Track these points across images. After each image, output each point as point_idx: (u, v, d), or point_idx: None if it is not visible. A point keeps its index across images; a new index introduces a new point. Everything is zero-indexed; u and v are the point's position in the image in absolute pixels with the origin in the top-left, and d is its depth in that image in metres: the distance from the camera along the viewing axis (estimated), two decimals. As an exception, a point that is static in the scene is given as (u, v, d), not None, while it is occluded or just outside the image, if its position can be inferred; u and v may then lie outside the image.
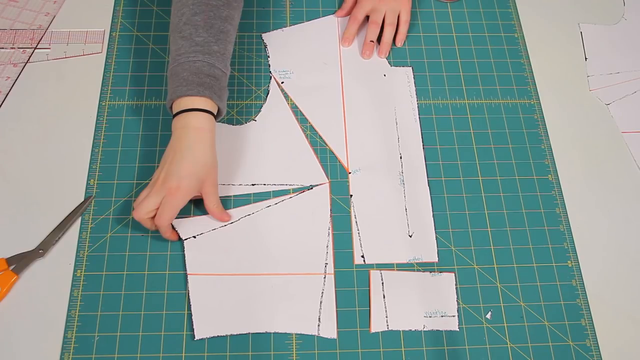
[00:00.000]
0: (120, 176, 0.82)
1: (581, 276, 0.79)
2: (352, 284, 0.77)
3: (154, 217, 0.75)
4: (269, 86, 0.91)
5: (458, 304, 0.77)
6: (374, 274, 0.78)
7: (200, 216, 0.80)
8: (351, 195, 0.83)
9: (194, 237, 0.79)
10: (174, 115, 0.77)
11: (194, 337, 0.73)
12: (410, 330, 0.75)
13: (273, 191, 0.83)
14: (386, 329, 0.75)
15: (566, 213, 0.84)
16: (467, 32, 0.99)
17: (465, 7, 1.01)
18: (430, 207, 0.83)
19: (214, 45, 0.77)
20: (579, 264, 0.80)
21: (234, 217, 0.80)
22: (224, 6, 0.79)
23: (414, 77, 0.94)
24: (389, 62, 0.95)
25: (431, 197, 0.84)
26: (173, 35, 0.80)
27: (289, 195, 0.82)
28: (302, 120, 0.89)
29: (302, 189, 0.83)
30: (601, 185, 0.86)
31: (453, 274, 0.78)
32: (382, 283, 0.77)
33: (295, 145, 0.86)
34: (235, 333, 0.73)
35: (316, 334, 0.74)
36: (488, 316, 0.76)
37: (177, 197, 0.73)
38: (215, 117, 0.80)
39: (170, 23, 0.81)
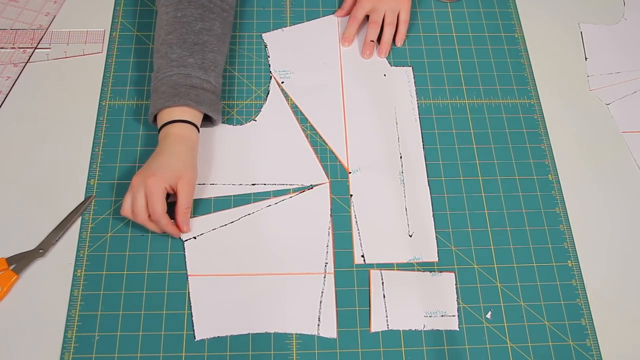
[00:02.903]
0: (120, 176, 0.82)
1: (581, 276, 0.79)
2: (352, 283, 0.77)
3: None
4: (269, 86, 0.91)
5: (458, 303, 0.77)
6: (374, 274, 0.78)
7: (200, 216, 0.80)
8: (351, 195, 0.83)
9: (194, 237, 0.79)
10: (158, 131, 0.80)
11: (195, 338, 0.73)
12: (410, 330, 0.75)
13: (273, 191, 0.83)
14: (386, 329, 0.75)
15: (566, 213, 0.84)
16: (467, 32, 0.99)
17: (465, 7, 1.02)
18: (431, 207, 0.83)
19: (188, 58, 0.81)
20: (579, 264, 0.80)
21: (234, 216, 0.80)
22: (197, 20, 0.83)
23: (414, 77, 0.94)
24: (389, 62, 0.95)
25: (431, 196, 0.84)
26: (153, 57, 0.84)
27: (289, 195, 0.82)
28: (302, 120, 0.89)
29: (302, 189, 0.83)
30: (601, 185, 0.86)
31: (453, 274, 0.78)
32: (382, 283, 0.77)
33: (295, 145, 0.86)
34: (235, 333, 0.73)
35: (316, 333, 0.74)
36: (488, 316, 0.76)
37: (153, 184, 0.74)
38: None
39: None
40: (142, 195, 0.74)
